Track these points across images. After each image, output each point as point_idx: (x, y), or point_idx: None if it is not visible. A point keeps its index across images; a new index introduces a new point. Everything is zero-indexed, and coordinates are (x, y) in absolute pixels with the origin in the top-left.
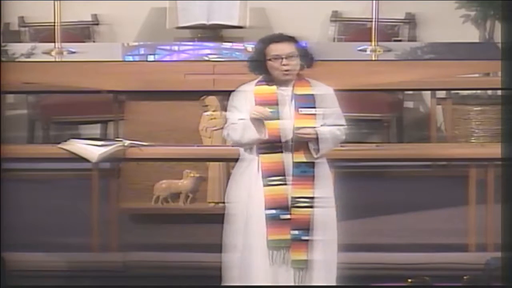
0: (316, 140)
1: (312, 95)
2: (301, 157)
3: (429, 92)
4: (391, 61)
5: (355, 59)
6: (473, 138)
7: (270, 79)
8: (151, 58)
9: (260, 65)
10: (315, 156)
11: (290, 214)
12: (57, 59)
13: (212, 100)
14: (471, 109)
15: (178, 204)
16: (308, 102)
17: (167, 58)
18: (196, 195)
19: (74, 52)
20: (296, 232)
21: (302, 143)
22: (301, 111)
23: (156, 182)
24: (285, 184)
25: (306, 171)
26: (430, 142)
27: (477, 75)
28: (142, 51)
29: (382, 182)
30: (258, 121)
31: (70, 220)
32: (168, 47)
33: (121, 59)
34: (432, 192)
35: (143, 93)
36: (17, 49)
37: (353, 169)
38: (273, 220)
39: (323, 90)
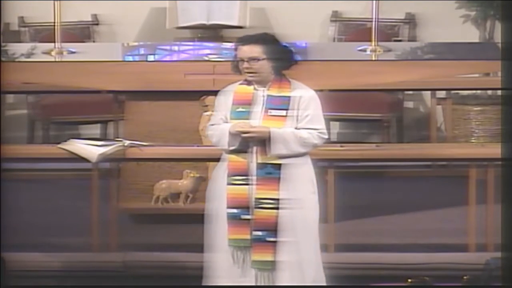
0: (269, 140)
1: (288, 97)
2: (265, 158)
3: (429, 92)
4: (391, 61)
5: (355, 59)
6: (473, 138)
7: (249, 79)
8: (151, 58)
9: (236, 65)
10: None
11: (253, 214)
12: (57, 59)
13: (212, 100)
14: (471, 109)
15: (178, 204)
16: (280, 103)
17: (167, 58)
18: (196, 195)
19: (74, 52)
20: (260, 233)
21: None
22: (270, 112)
23: (156, 182)
24: (247, 184)
25: (271, 173)
26: (430, 142)
27: (477, 75)
28: (142, 51)
29: (382, 182)
30: (236, 135)
31: (70, 220)
32: (168, 47)
33: (121, 59)
34: (432, 192)
35: (143, 93)
36: (17, 49)
37: (353, 169)
38: (233, 220)
39: (301, 92)
